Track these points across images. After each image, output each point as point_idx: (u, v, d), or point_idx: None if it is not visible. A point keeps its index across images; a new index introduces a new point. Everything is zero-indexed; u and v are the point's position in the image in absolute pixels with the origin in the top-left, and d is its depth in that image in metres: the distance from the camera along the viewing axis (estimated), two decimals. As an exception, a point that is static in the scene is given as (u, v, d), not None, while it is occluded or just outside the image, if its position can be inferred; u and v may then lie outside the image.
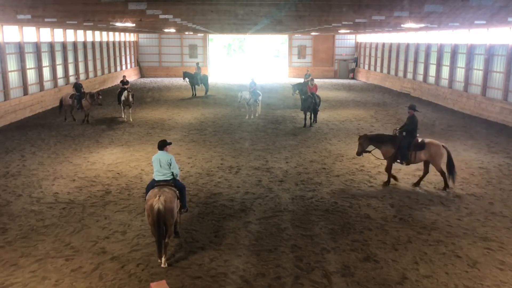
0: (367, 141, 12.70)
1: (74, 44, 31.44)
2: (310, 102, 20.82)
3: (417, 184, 12.74)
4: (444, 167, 12.38)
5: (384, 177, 13.32)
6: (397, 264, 8.37)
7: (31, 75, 25.10)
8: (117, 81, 37.32)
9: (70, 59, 30.76)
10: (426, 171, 12.68)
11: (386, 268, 8.25)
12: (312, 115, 21.45)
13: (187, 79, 32.78)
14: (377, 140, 12.71)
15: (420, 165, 14.30)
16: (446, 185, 12.42)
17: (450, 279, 7.87)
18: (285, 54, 51.82)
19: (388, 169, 12.71)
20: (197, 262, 8.39)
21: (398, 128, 12.89)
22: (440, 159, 12.30)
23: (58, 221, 10.23)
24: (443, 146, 12.37)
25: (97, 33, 35.95)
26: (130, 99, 21.98)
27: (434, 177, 13.43)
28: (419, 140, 12.35)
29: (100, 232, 9.68)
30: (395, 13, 15.45)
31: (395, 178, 12.85)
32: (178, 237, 9.29)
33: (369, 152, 12.96)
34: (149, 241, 9.11)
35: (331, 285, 7.69)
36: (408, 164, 12.62)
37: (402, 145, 12.26)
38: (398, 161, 12.55)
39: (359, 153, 12.89)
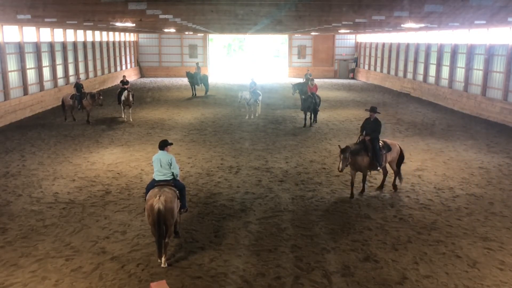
0: (349, 153, 11.29)
1: (74, 44, 31.45)
2: (310, 102, 20.82)
3: (394, 187, 12.27)
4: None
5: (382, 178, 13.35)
6: (397, 264, 8.37)
7: (31, 75, 25.10)
8: (117, 81, 37.32)
9: (70, 59, 30.76)
10: (386, 172, 12.48)
11: (386, 268, 8.24)
12: (312, 115, 21.45)
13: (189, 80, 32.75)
14: (355, 151, 11.45)
15: (421, 165, 14.34)
16: (395, 185, 12.32)
17: (450, 279, 7.87)
18: (285, 54, 51.80)
19: (365, 178, 12.02)
20: (197, 262, 8.39)
21: (363, 134, 11.73)
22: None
23: (58, 221, 10.23)
24: (398, 144, 12.38)
25: (97, 33, 35.95)
26: (131, 99, 21.98)
27: (434, 177, 13.44)
28: (382, 142, 11.85)
29: (100, 232, 9.68)
30: (395, 13, 15.46)
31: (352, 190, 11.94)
32: (178, 237, 9.29)
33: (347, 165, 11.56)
34: (149, 241, 9.11)
35: (331, 285, 7.69)
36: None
37: (376, 150, 11.52)
38: (379, 168, 11.79)
39: (342, 169, 11.33)
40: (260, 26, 27.90)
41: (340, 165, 11.26)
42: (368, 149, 11.56)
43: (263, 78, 45.52)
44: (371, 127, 11.72)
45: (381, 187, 12.43)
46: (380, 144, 11.74)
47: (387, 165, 12.36)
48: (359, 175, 12.39)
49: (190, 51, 48.00)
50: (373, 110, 11.87)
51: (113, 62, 40.31)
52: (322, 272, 8.08)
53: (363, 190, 12.16)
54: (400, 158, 12.22)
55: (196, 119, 23.07)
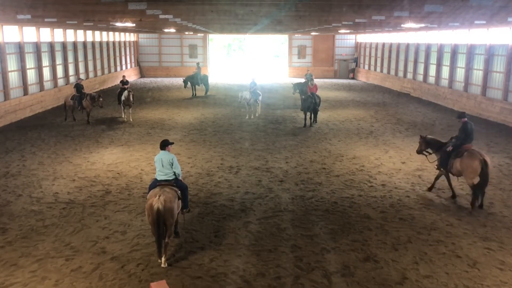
0: (426, 143, 12.13)
1: (74, 44, 31.44)
2: (310, 102, 20.82)
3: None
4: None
5: (383, 178, 13.30)
6: (397, 264, 8.37)
7: (31, 75, 25.09)
8: (117, 81, 37.30)
9: (70, 59, 30.74)
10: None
11: (386, 268, 8.24)
12: (312, 115, 21.44)
13: (188, 83, 32.36)
14: (436, 146, 12.07)
15: (421, 165, 14.34)
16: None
17: (450, 279, 7.87)
18: (285, 54, 51.79)
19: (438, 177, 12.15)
20: (197, 262, 8.39)
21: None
22: None
23: (58, 221, 10.23)
24: (479, 161, 10.80)
25: (97, 33, 35.94)
26: (131, 99, 21.99)
27: (434, 177, 13.41)
28: (452, 147, 11.59)
29: (100, 232, 9.68)
30: (395, 13, 15.47)
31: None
32: (178, 237, 9.29)
33: None
34: (149, 241, 9.11)
35: (331, 285, 7.69)
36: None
37: (442, 151, 11.80)
38: (441, 169, 11.86)
39: (419, 152, 12.45)
40: (260, 26, 27.90)
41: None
42: (441, 148, 11.75)
43: (263, 78, 45.52)
44: None
45: (472, 205, 10.93)
46: (448, 148, 11.42)
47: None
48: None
49: (190, 51, 47.99)
50: (458, 116, 11.66)
51: (113, 62, 40.28)
52: (322, 272, 8.08)
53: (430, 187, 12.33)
54: (481, 179, 10.61)
55: (196, 119, 23.07)
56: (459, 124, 11.60)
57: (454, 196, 11.70)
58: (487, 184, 10.84)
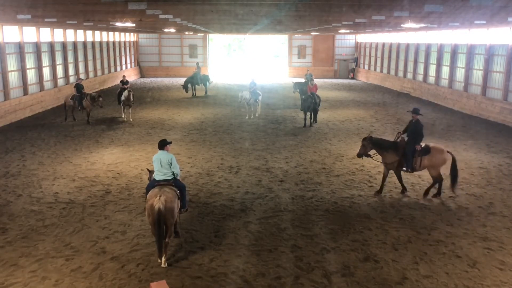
0: (373, 145, 11.69)
1: (74, 44, 31.44)
2: (310, 102, 20.82)
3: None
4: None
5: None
6: (397, 264, 8.37)
7: (31, 75, 25.09)
8: (117, 81, 37.29)
9: (70, 59, 30.75)
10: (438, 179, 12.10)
11: (386, 268, 8.25)
12: (312, 115, 21.45)
13: (189, 85, 32.37)
14: (384, 147, 11.83)
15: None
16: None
17: (450, 279, 7.87)
18: (285, 54, 51.79)
19: (399, 178, 12.12)
20: (197, 262, 8.39)
21: (401, 133, 12.04)
22: None
23: (58, 221, 10.23)
24: (447, 151, 11.85)
25: (97, 33, 35.94)
26: (131, 98, 21.99)
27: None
28: (421, 145, 11.80)
29: (100, 232, 9.68)
30: (395, 13, 15.47)
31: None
32: (178, 237, 9.29)
33: None
34: (149, 241, 9.11)
35: (331, 285, 7.69)
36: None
37: (406, 152, 11.71)
38: (408, 170, 11.93)
39: (360, 156, 11.77)
40: (260, 26, 27.91)
41: (358, 151, 12.00)
42: (398, 149, 11.65)
43: (263, 78, 45.51)
44: (411, 128, 11.77)
45: (425, 193, 11.90)
46: (417, 147, 11.58)
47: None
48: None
49: (190, 51, 47.99)
50: (414, 111, 11.90)
51: (113, 62, 40.29)
52: (322, 272, 8.08)
53: (402, 189, 12.12)
54: (452, 166, 11.53)
55: (196, 119, 23.07)
56: (411, 118, 12.05)
57: (380, 191, 12.03)
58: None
